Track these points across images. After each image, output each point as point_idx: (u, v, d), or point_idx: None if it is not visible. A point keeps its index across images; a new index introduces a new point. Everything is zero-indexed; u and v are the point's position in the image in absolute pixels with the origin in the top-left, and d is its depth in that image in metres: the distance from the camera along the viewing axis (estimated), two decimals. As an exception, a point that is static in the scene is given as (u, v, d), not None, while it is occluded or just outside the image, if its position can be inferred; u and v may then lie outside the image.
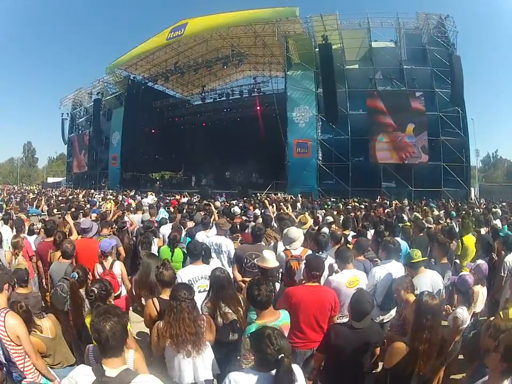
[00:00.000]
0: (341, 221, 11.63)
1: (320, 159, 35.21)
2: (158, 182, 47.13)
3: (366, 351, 4.62)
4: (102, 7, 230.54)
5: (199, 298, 5.67)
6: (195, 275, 6.28)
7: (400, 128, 33.25)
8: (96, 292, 4.84)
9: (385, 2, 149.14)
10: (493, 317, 5.41)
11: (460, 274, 5.99)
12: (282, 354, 3.14)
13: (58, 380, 4.71)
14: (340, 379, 4.68)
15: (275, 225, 10.83)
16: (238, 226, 10.26)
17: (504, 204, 24.77)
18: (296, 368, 3.41)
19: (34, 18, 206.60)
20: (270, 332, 3.34)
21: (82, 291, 5.62)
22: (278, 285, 6.51)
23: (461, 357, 6.03)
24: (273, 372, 3.18)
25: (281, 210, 13.72)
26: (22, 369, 4.41)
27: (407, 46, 34.08)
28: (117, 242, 8.53)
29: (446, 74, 31.85)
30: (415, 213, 15.73)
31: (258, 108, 44.77)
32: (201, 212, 13.01)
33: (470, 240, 9.61)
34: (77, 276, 5.55)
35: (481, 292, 6.14)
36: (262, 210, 14.50)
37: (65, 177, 70.70)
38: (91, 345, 4.02)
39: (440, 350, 4.34)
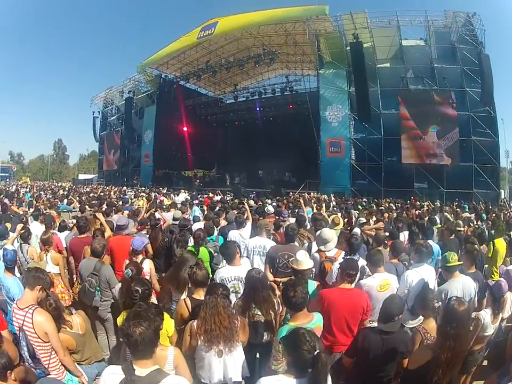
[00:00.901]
0: (372, 222, 11.58)
1: (353, 158, 34.96)
2: (198, 180, 47.56)
3: (392, 358, 4.58)
4: (134, 6, 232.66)
5: (231, 299, 5.52)
6: (229, 275, 6.26)
7: (431, 128, 32.82)
8: (140, 292, 4.89)
9: (413, 1, 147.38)
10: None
11: (498, 279, 5.84)
12: (318, 351, 3.18)
13: (85, 376, 4.89)
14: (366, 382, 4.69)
15: (308, 225, 10.70)
16: (272, 225, 10.11)
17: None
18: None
19: (68, 17, 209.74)
20: (303, 331, 3.39)
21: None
22: (314, 284, 6.22)
23: (484, 363, 6.00)
24: (305, 378, 3.20)
25: (315, 210, 13.51)
26: (46, 366, 4.48)
27: (436, 44, 33.55)
28: (148, 240, 8.54)
29: (475, 73, 31.37)
30: (446, 215, 15.65)
31: (290, 106, 44.46)
32: (234, 211, 12.97)
33: (501, 243, 9.48)
34: (131, 273, 5.59)
35: (509, 298, 5.94)
36: (296, 210, 14.33)
37: (96, 174, 71.62)
38: None
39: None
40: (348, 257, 6.66)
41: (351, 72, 33.50)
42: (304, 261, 5.84)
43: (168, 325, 4.83)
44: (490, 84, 30.88)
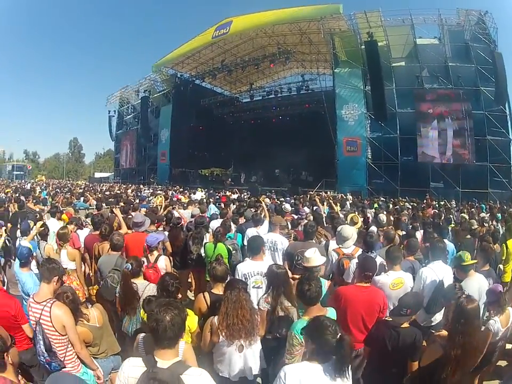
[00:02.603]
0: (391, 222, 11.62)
1: (370, 157, 35.08)
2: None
3: (399, 354, 4.62)
4: (149, 6, 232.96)
5: (252, 294, 5.75)
6: (251, 270, 6.28)
7: (446, 127, 32.83)
8: (174, 289, 5.01)
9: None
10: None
11: (489, 287, 5.91)
12: (341, 334, 3.32)
13: (101, 370, 4.96)
14: (378, 376, 4.80)
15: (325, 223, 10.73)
16: (289, 224, 10.34)
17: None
18: None
19: (85, 16, 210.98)
20: (324, 318, 3.56)
21: (137, 281, 5.87)
22: (325, 283, 6.13)
23: (499, 363, 6.11)
24: (329, 362, 3.32)
25: (331, 209, 13.70)
26: (62, 359, 4.56)
27: (450, 43, 33.29)
28: (164, 237, 8.69)
29: (489, 72, 31.13)
30: (462, 215, 15.66)
31: (306, 105, 44.61)
32: (251, 209, 13.11)
33: None
34: (130, 267, 5.71)
35: None
36: (314, 208, 14.42)
37: (112, 173, 71.61)
38: (141, 334, 4.20)
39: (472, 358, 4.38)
40: (366, 254, 6.67)
41: (367, 71, 33.47)
42: (312, 257, 5.91)
43: (192, 321, 4.89)
44: (504, 82, 30.84)
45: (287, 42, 40.41)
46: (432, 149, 33.11)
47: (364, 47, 33.32)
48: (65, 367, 4.59)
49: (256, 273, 6.28)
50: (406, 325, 4.76)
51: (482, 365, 5.24)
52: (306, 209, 14.37)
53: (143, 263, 6.50)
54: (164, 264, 7.27)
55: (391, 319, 4.87)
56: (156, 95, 51.88)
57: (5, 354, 3.58)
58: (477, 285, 6.14)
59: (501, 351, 5.81)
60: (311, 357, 3.49)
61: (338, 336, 3.31)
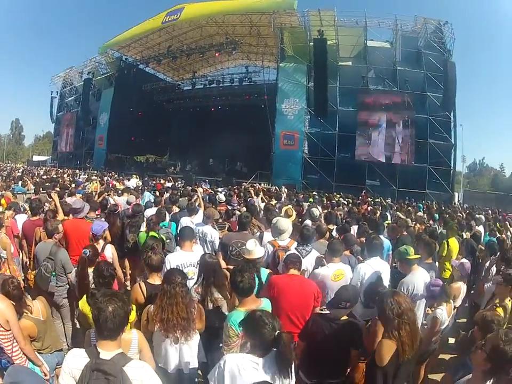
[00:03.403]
0: (323, 216, 11.60)
1: (306, 152, 35.84)
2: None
3: (339, 346, 4.57)
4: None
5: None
6: (184, 261, 6.27)
7: (387, 128, 33.73)
8: (109, 275, 5.02)
9: (385, 3, 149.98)
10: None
11: (461, 260, 6.50)
12: (279, 331, 3.29)
13: (46, 366, 4.72)
14: (316, 369, 4.69)
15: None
16: (223, 214, 10.50)
17: (489, 210, 25.54)
18: None
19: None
20: (260, 314, 3.48)
21: (91, 270, 5.62)
22: (266, 272, 6.24)
23: (442, 356, 6.44)
24: (269, 355, 3.31)
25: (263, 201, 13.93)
26: (10, 355, 4.34)
27: (402, 48, 34.49)
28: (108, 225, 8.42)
29: (439, 79, 32.04)
30: (397, 213, 15.88)
31: (247, 97, 45.12)
32: (186, 198, 13.01)
33: (454, 243, 9.82)
34: (88, 253, 5.62)
35: (462, 289, 6.54)
36: (248, 200, 14.49)
37: (50, 156, 70.76)
38: (92, 329, 3.96)
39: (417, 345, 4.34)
40: (301, 247, 6.85)
41: (312, 67, 34.02)
42: (254, 250, 5.88)
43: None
44: (453, 90, 31.74)
45: (236, 33, 40.77)
46: (370, 148, 34.07)
47: (312, 43, 33.81)
48: (13, 363, 4.34)
49: (189, 264, 6.33)
50: (345, 317, 4.77)
51: (425, 355, 5.62)
52: (235, 200, 14.74)
53: (97, 252, 6.43)
54: (111, 252, 7.18)
55: (328, 312, 4.84)
56: (99, 78, 51.46)
57: None
58: (421, 278, 6.25)
59: (442, 342, 6.13)
60: (251, 351, 3.50)
61: (277, 333, 3.31)
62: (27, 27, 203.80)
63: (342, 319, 4.67)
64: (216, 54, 41.90)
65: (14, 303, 4.64)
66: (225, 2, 37.69)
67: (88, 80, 50.95)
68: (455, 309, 6.31)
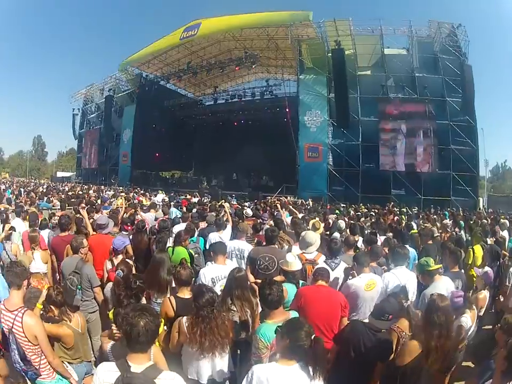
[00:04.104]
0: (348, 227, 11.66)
1: (331, 164, 35.36)
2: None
3: (373, 355, 4.61)
4: (116, 4, 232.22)
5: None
6: (218, 274, 6.36)
7: (410, 136, 33.34)
8: (136, 287, 5.02)
9: (398, 10, 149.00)
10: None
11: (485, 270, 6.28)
12: (314, 335, 3.37)
13: (75, 377, 4.89)
14: (344, 375, 4.70)
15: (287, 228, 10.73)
16: (252, 228, 10.25)
17: (512, 215, 24.60)
18: None
19: (49, 12, 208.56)
20: (299, 319, 3.78)
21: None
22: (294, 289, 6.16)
23: (465, 363, 6.11)
24: (297, 364, 3.35)
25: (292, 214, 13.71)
26: (37, 367, 4.48)
27: (419, 54, 33.88)
28: (129, 241, 8.55)
29: (457, 83, 31.73)
30: (422, 221, 15.80)
31: (270, 110, 44.66)
32: (213, 213, 13.05)
33: (479, 250, 9.66)
34: (122, 273, 5.63)
35: (487, 297, 6.33)
36: (275, 213, 14.31)
37: (74, 172, 70.86)
38: (109, 344, 4.16)
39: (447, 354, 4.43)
40: (329, 260, 6.90)
41: (332, 78, 33.69)
42: (294, 262, 6.04)
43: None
44: (472, 93, 31.46)
45: (254, 47, 40.53)
46: (394, 157, 33.63)
47: (330, 54, 33.58)
48: (41, 375, 4.53)
49: (223, 277, 6.22)
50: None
51: (451, 364, 5.24)
52: (266, 215, 14.47)
53: (132, 266, 6.60)
54: None
55: (367, 321, 4.91)
56: (120, 95, 51.43)
57: None
58: (444, 287, 6.16)
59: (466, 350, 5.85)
60: (282, 356, 3.51)
61: (313, 337, 3.37)
62: (47, 45, 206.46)
63: (379, 330, 4.72)
64: (236, 68, 41.71)
65: (56, 309, 4.98)
66: (241, 16, 37.65)
67: (109, 97, 51.04)
68: (478, 318, 6.05)
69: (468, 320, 5.48)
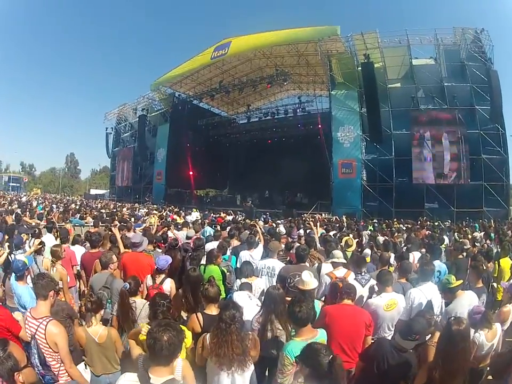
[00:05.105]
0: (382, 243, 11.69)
1: (365, 179, 35.24)
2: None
3: (396, 376, 4.63)
4: (148, 25, 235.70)
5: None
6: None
7: (442, 148, 33.02)
8: (164, 306, 5.11)
9: (423, 19, 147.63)
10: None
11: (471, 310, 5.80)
12: (332, 355, 3.38)
13: None
14: None
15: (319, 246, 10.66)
16: (284, 246, 10.30)
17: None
18: None
19: (84, 31, 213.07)
20: (316, 344, 3.66)
21: (136, 299, 6.03)
22: (319, 303, 6.33)
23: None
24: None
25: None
26: (56, 373, 4.65)
27: (446, 63, 33.68)
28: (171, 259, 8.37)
29: (484, 90, 31.50)
30: (455, 235, 15.73)
31: (303, 127, 44.64)
32: (246, 231, 13.08)
33: (506, 262, 9.62)
34: (128, 286, 5.86)
35: (511, 311, 6.17)
36: (308, 231, 14.25)
37: (108, 190, 72.22)
38: (142, 353, 4.17)
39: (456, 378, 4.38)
40: (359, 276, 7.10)
41: (363, 92, 33.58)
42: (310, 281, 6.01)
43: (187, 337, 4.87)
44: (499, 100, 31.10)
45: (285, 64, 40.68)
46: (427, 170, 33.26)
47: (360, 68, 33.59)
48: (58, 381, 4.68)
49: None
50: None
51: (475, 381, 5.28)
52: (301, 232, 14.31)
53: (141, 282, 6.59)
54: (169, 286, 7.22)
55: (395, 340, 4.87)
56: (153, 114, 52.02)
57: (16, 374, 3.58)
58: (467, 303, 6.20)
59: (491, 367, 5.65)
60: (305, 381, 3.53)
61: (330, 357, 3.35)
62: (82, 65, 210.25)
63: (404, 349, 4.66)
64: (268, 86, 41.80)
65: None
66: (270, 33, 37.62)
67: (143, 117, 51.62)
68: (502, 332, 5.84)
69: (482, 336, 5.40)
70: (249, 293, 6.45)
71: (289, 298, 6.05)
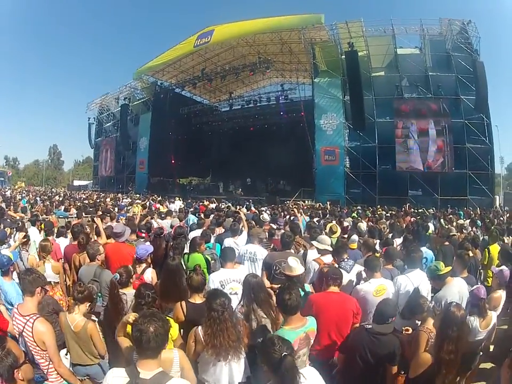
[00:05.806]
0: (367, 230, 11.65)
1: (348, 166, 35.39)
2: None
3: (379, 360, 4.64)
4: (129, 13, 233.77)
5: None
6: (227, 277, 6.38)
7: (425, 136, 33.18)
8: (150, 297, 4.99)
9: (409, 9, 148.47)
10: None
11: (472, 289, 5.90)
12: (285, 353, 3.24)
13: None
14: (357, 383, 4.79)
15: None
16: (267, 234, 10.27)
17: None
18: (313, 372, 3.61)
19: (64, 22, 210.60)
20: (274, 337, 3.56)
21: (126, 291, 5.79)
22: (310, 287, 6.45)
23: (483, 366, 6.11)
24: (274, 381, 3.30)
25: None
26: (45, 371, 4.57)
27: (431, 53, 33.89)
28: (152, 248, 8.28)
29: (470, 80, 31.72)
30: (441, 221, 15.83)
31: (285, 115, 44.62)
32: (230, 218, 13.11)
33: (496, 249, 9.49)
34: (118, 277, 5.68)
35: (502, 297, 6.28)
36: (292, 218, 14.38)
37: (91, 181, 71.68)
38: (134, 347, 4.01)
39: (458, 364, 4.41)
40: (343, 263, 6.87)
41: (346, 80, 33.82)
42: (296, 267, 5.88)
43: (173, 329, 4.74)
44: (485, 91, 31.31)
45: (268, 52, 40.66)
46: (410, 158, 33.56)
47: (344, 57, 33.64)
48: (47, 379, 4.60)
49: (232, 280, 6.35)
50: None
51: (468, 366, 5.37)
52: (282, 220, 14.03)
53: (133, 273, 6.41)
54: (150, 276, 7.10)
55: (371, 327, 4.85)
56: (135, 103, 51.97)
57: (16, 371, 3.49)
58: (457, 289, 6.17)
59: (484, 353, 5.86)
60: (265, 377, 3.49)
61: (283, 355, 3.25)
62: (62, 55, 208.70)
63: (383, 334, 4.67)
64: (250, 74, 41.98)
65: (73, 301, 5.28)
66: (254, 21, 37.72)
67: (125, 106, 51.44)
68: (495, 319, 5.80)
69: (476, 322, 5.44)
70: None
71: (275, 286, 6.39)
